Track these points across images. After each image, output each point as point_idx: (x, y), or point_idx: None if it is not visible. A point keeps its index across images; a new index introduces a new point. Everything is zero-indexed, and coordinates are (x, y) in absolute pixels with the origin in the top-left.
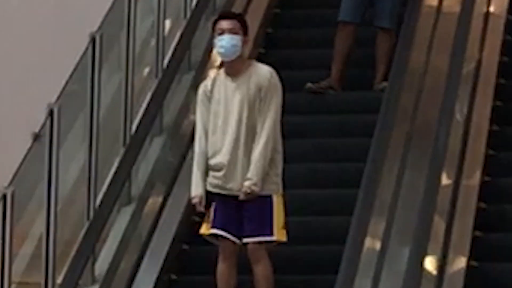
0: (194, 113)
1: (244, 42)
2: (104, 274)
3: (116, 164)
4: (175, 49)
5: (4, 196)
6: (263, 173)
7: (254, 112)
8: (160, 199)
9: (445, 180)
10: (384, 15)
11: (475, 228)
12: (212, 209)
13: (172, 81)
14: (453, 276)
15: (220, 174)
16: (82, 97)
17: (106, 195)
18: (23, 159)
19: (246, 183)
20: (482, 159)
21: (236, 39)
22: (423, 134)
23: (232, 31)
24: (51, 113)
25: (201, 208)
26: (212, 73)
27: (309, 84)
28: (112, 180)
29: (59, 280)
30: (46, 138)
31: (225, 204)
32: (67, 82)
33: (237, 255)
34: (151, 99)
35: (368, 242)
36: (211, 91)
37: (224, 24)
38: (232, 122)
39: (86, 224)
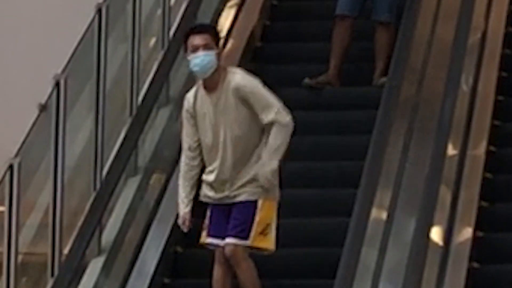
0: None
1: (218, 55)
2: (110, 245)
3: (122, 134)
4: (181, 20)
5: (11, 166)
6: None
7: (240, 120)
8: (167, 170)
9: (451, 150)
10: (383, 8)
11: (481, 198)
12: (207, 216)
13: (179, 51)
14: (459, 247)
15: (214, 188)
16: (89, 68)
17: (113, 166)
18: (30, 130)
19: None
20: (488, 129)
21: (211, 55)
22: (429, 105)
23: (206, 47)
24: (57, 84)
25: (185, 229)
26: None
27: (306, 79)
28: (118, 151)
29: (65, 250)
30: (53, 109)
31: (218, 210)
32: (73, 53)
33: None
34: (157, 70)
35: (374, 212)
36: (194, 107)
37: (197, 40)
38: (220, 138)
39: (93, 195)
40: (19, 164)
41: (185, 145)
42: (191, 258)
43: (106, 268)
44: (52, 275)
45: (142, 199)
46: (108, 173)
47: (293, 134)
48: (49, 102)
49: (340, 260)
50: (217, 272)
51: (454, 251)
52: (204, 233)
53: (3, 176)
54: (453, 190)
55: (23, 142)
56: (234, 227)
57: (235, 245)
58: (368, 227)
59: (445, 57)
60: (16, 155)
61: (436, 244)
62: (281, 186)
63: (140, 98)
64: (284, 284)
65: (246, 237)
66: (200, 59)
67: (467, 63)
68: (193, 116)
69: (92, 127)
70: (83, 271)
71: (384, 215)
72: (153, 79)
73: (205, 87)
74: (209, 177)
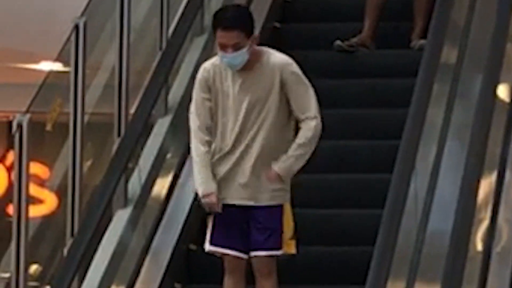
0: None
1: (252, 43)
2: (176, 106)
3: None
4: None
5: (77, 26)
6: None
7: (275, 106)
8: None
9: None
10: None
11: None
12: (210, 222)
13: None
14: None
15: (225, 186)
16: None
17: (179, 25)
18: None
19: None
20: None
21: (241, 54)
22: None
23: (236, 47)
24: None
25: (218, 210)
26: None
27: (337, 42)
28: (184, 9)
29: (132, 110)
30: None
31: (227, 215)
32: None
33: (245, 269)
34: None
35: (440, 71)
36: (213, 79)
37: (225, 38)
38: (247, 123)
39: (159, 54)
40: (85, 24)
41: (196, 124)
42: None
43: (173, 127)
44: (119, 135)
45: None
46: (174, 32)
47: (321, 106)
48: None
49: (407, 118)
50: (229, 281)
51: None
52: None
53: (69, 36)
54: None
55: (89, 2)
56: (265, 239)
57: (270, 256)
58: (433, 88)
59: (492, 11)
60: (82, 15)
61: (502, 102)
62: (304, 171)
63: None
64: None
65: (279, 248)
66: (229, 59)
67: None
68: (211, 89)
69: None
70: (150, 130)
71: (450, 75)
72: None
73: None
74: (220, 169)
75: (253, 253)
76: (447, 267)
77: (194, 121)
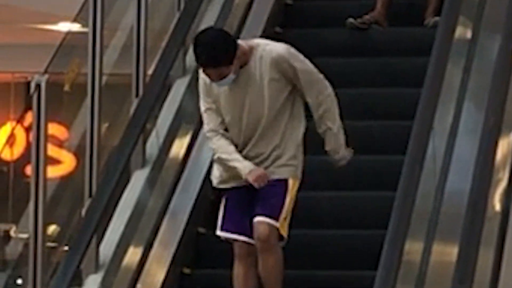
0: None
1: (237, 61)
2: (194, 67)
3: None
4: None
5: None
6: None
7: (270, 96)
8: None
9: None
10: None
11: None
12: (221, 208)
13: None
14: None
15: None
16: None
17: None
18: None
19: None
20: None
21: (227, 79)
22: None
23: (220, 77)
24: None
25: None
26: None
27: (350, 19)
28: None
29: (149, 71)
30: None
31: (237, 197)
32: None
33: (254, 255)
34: None
35: (458, 31)
36: (210, 83)
37: (209, 72)
38: (243, 114)
39: (177, 15)
40: None
41: (210, 125)
42: None
43: (190, 88)
44: (137, 95)
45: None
46: None
47: (332, 86)
48: None
49: (426, 74)
50: (239, 268)
51: None
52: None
53: None
54: None
55: None
56: (264, 207)
57: (269, 224)
58: (452, 47)
59: None
60: None
61: None
62: (312, 152)
63: None
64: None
65: (277, 219)
66: (218, 83)
67: None
68: (212, 94)
69: None
70: (168, 91)
71: (468, 34)
72: None
73: None
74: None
75: (253, 221)
76: (465, 227)
77: (207, 124)
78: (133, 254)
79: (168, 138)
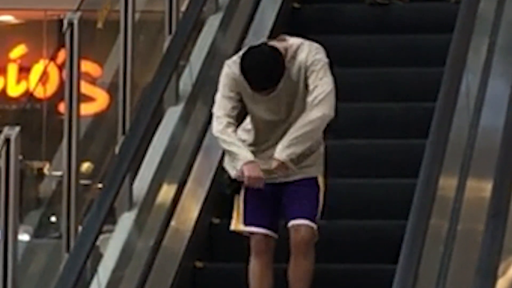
0: None
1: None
2: (227, 3)
3: None
4: None
5: None
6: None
7: (301, 96)
8: None
9: None
10: None
11: None
12: (241, 200)
13: None
14: None
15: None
16: None
17: None
18: None
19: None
20: None
21: (273, 91)
22: None
23: (268, 92)
24: None
25: (260, 185)
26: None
27: None
28: None
29: (182, 8)
30: None
31: (258, 193)
32: None
33: (273, 251)
34: None
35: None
36: (239, 79)
37: (259, 91)
38: (280, 115)
39: None
40: None
41: (221, 111)
42: None
43: (224, 24)
44: (170, 32)
45: None
46: None
47: (351, 65)
48: None
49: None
50: (255, 264)
51: None
52: (235, 219)
53: None
54: None
55: None
56: (301, 209)
57: (309, 227)
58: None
59: None
60: None
61: None
62: (332, 136)
63: None
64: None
65: (315, 221)
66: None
67: None
68: (239, 88)
69: None
70: (201, 28)
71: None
72: None
73: None
74: (256, 148)
75: (291, 223)
76: (499, 162)
77: (218, 108)
78: (167, 192)
79: (201, 74)
